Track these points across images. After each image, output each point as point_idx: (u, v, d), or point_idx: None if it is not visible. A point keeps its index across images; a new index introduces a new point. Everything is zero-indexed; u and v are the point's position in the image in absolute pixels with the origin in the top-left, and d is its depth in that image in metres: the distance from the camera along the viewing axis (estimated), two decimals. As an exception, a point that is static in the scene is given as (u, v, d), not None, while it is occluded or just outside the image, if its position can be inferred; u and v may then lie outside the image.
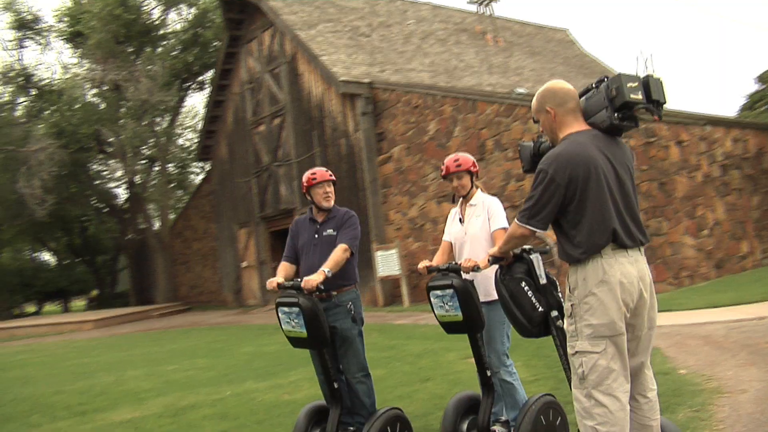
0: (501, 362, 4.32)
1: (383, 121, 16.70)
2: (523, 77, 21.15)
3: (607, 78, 3.16)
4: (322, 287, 4.28)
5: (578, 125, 3.19)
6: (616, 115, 3.09)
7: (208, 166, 26.17)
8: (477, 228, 4.46)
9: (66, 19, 26.73)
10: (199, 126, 28.20)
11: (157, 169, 28.39)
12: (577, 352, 3.07)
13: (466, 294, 3.97)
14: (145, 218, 29.39)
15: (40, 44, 28.33)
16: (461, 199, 4.61)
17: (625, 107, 3.08)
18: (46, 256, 42.85)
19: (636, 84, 3.08)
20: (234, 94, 22.35)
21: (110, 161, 29.29)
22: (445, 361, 7.70)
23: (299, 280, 4.35)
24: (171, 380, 8.62)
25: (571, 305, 3.10)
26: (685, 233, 12.24)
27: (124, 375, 9.50)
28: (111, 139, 23.22)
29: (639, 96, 3.07)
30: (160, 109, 25.35)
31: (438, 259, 4.55)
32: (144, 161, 28.18)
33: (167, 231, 27.80)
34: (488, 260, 3.56)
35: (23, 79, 27.40)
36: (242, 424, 5.85)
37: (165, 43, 27.46)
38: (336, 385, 4.52)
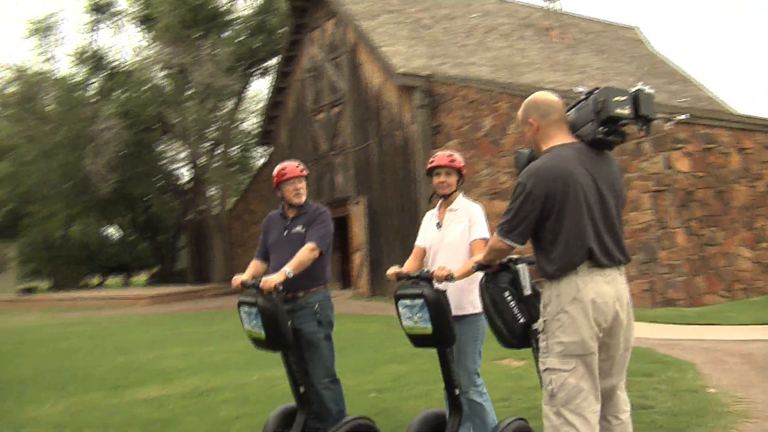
0: (471, 381, 4.06)
1: (440, 115, 16.59)
2: (587, 75, 20.67)
3: (597, 89, 3.04)
4: (281, 288, 4.11)
5: (562, 137, 3.10)
6: (600, 129, 3.00)
7: (269, 151, 26.54)
8: (456, 235, 4.16)
9: (138, 3, 27.45)
10: (263, 111, 28.62)
11: (219, 151, 28.95)
12: (547, 368, 3.00)
13: (437, 305, 3.68)
14: (205, 199, 30.02)
15: (113, 27, 29.18)
16: (440, 201, 4.33)
17: (610, 121, 2.98)
18: (112, 232, 44.23)
19: (624, 98, 2.98)
20: (296, 81, 22.56)
21: (174, 142, 30.00)
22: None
23: (258, 280, 4.19)
24: (205, 362, 8.79)
25: (544, 321, 3.04)
26: (741, 244, 11.80)
27: (162, 353, 9.73)
28: (175, 121, 23.74)
29: (626, 111, 2.97)
30: (223, 94, 25.80)
31: (409, 266, 4.23)
32: (207, 144, 28.78)
33: (226, 213, 28.32)
34: (473, 267, 3.47)
35: (95, 61, 28.27)
36: (259, 410, 5.91)
37: (231, 28, 27.91)
38: (302, 389, 4.38)
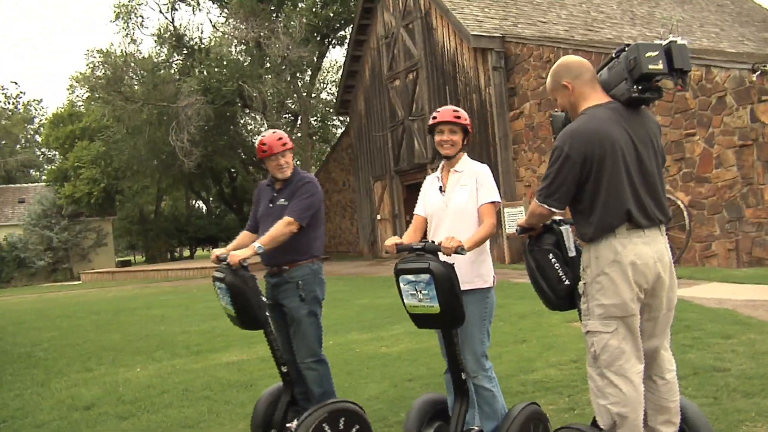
0: (480, 365, 3.64)
1: (515, 76, 16.33)
2: (669, 28, 19.83)
3: (627, 47, 2.95)
4: (246, 264, 3.89)
5: (597, 97, 3.02)
6: (635, 87, 2.91)
7: (347, 120, 26.77)
8: (463, 200, 3.72)
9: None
10: (339, 81, 28.84)
11: (299, 123, 29.39)
12: (588, 331, 3.00)
13: (446, 281, 3.24)
14: (287, 170, 30.57)
15: (191, 5, 29.84)
16: (443, 162, 3.90)
17: (644, 79, 2.88)
18: (200, 205, 45.78)
19: (656, 53, 2.87)
20: (371, 48, 22.58)
21: (255, 115, 30.63)
22: (546, 324, 7.60)
23: (225, 254, 4.01)
24: (284, 327, 9.07)
25: (584, 284, 3.02)
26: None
27: (245, 319, 10.10)
28: (254, 95, 24.23)
29: (659, 66, 2.86)
30: (300, 65, 26.10)
31: (409, 237, 3.81)
32: (287, 115, 29.23)
33: (309, 183, 28.80)
34: (516, 230, 3.36)
35: (176, 40, 29.07)
36: (334, 373, 6.07)
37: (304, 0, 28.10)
38: (284, 369, 4.16)
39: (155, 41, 29.15)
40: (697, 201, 11.63)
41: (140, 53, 28.77)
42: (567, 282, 3.17)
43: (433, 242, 3.37)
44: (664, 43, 2.93)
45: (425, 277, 3.25)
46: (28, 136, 54.77)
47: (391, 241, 3.53)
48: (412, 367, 6.10)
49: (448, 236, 3.33)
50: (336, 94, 27.96)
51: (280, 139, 4.29)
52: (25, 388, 6.74)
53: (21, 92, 72.07)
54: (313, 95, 30.10)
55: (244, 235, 4.48)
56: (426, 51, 19.19)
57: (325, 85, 35.39)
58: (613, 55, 3.03)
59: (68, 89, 40.90)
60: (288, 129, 29.34)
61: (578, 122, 2.97)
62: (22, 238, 34.41)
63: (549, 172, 2.97)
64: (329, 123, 35.10)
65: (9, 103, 53.07)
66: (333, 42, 30.13)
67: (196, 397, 5.76)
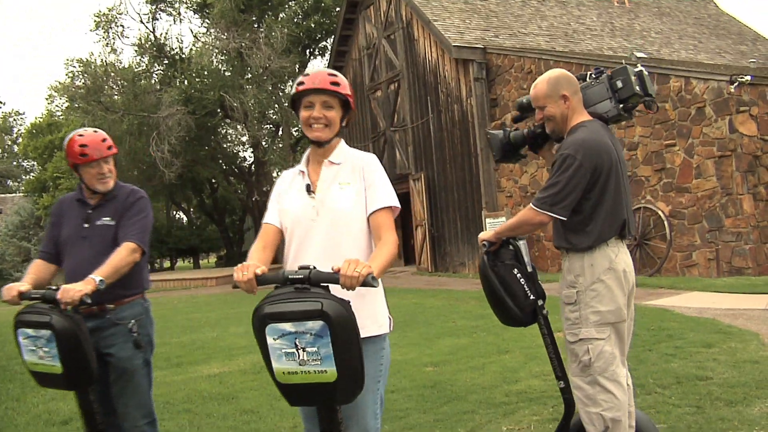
0: None
1: (496, 87, 16.40)
2: (648, 40, 20.06)
3: (604, 69, 3.21)
4: (89, 300, 2.95)
5: (584, 113, 3.15)
6: (621, 106, 3.12)
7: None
8: (347, 205, 2.63)
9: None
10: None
11: (280, 133, 29.32)
12: (581, 339, 3.02)
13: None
14: (269, 181, 30.51)
15: (172, 15, 29.76)
16: (310, 151, 2.79)
17: (631, 99, 3.11)
18: (181, 216, 45.48)
19: (635, 78, 3.12)
20: (353, 59, 22.61)
21: (237, 125, 30.55)
22: (529, 334, 7.53)
23: (55, 288, 2.97)
24: (266, 338, 9.00)
25: (576, 292, 3.04)
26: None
27: (225, 331, 10.02)
28: (235, 105, 24.17)
29: (637, 88, 3.12)
30: (281, 75, 26.07)
31: (259, 256, 2.64)
32: (268, 126, 29.15)
33: (289, 194, 28.72)
34: (484, 245, 3.22)
35: (157, 50, 28.95)
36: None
37: (286, 10, 28.11)
38: None
39: (136, 51, 28.99)
40: (678, 211, 11.71)
41: (121, 63, 28.62)
42: (532, 297, 3.18)
43: (313, 268, 2.25)
44: (635, 69, 3.16)
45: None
46: (6, 146, 54.21)
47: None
48: (394, 379, 6.05)
49: (348, 259, 2.23)
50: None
51: (104, 140, 3.40)
52: (0, 402, 6.61)
53: (1, 102, 71.26)
54: (295, 106, 30.03)
55: (38, 264, 3.43)
56: (408, 62, 19.24)
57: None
58: (593, 75, 3.19)
59: (47, 99, 40.49)
60: (269, 139, 29.26)
61: (583, 134, 3.03)
62: (-1, 250, 33.99)
63: (557, 180, 2.98)
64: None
65: (-13, 114, 52.52)
66: (315, 53, 30.14)
67: (176, 410, 5.67)
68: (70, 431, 5.32)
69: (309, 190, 2.69)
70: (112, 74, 27.16)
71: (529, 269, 3.24)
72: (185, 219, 44.30)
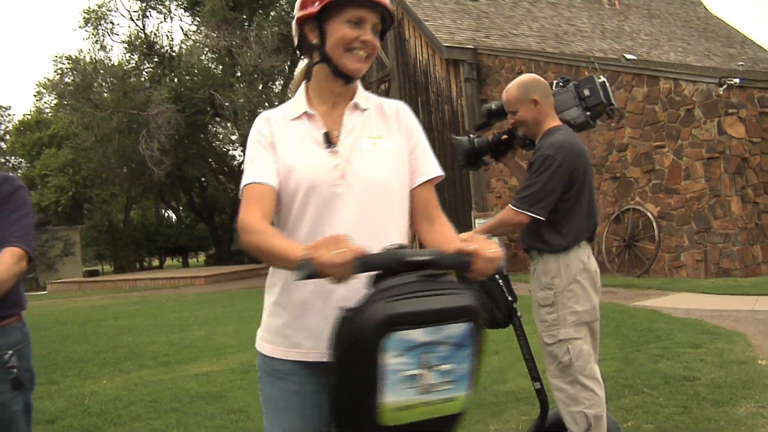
0: None
1: (487, 88, 16.43)
2: (638, 42, 20.16)
3: (569, 78, 3.32)
4: None
5: (557, 119, 3.22)
6: (588, 114, 3.24)
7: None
8: (386, 169, 1.89)
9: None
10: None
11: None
12: (560, 340, 3.05)
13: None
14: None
15: (162, 13, 29.67)
16: (323, 84, 1.96)
17: (597, 107, 3.24)
18: (170, 215, 45.36)
19: (599, 87, 3.25)
20: (343, 59, 22.58)
21: (227, 124, 30.48)
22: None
23: None
24: (254, 338, 8.93)
25: (554, 293, 3.07)
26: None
27: (214, 330, 9.98)
28: (225, 104, 24.11)
29: (602, 98, 3.24)
30: (272, 74, 26.02)
31: (256, 214, 1.82)
32: (259, 124, 29.05)
33: (279, 193, 28.66)
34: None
35: (146, 48, 28.84)
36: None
37: (276, 9, 28.06)
38: None
39: (125, 48, 28.89)
40: (666, 212, 11.77)
41: (110, 60, 28.49)
42: (510, 299, 3.20)
43: (412, 247, 1.61)
44: (599, 80, 3.27)
45: (459, 330, 1.52)
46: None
47: (346, 250, 1.51)
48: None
49: (465, 235, 1.98)
50: (308, 103, 27.77)
51: None
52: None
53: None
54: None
55: None
56: (398, 61, 19.24)
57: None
58: (560, 83, 3.28)
59: (35, 96, 40.27)
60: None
61: (563, 136, 3.10)
62: (-14, 247, 33.74)
63: (536, 180, 3.03)
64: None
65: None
66: (305, 52, 30.08)
67: (164, 409, 5.64)
68: (56, 430, 5.29)
69: (328, 140, 1.87)
70: (102, 71, 27.00)
71: (505, 273, 3.25)
72: (174, 217, 44.20)
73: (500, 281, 3.18)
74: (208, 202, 38.25)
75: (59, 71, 26.78)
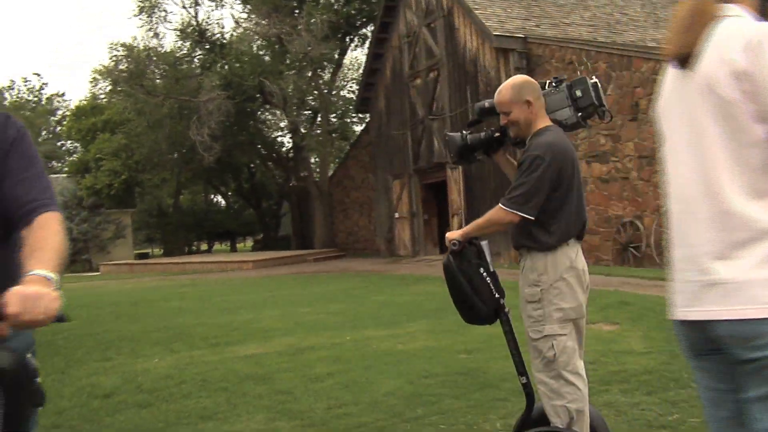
0: None
1: (537, 77, 15.98)
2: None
3: (563, 78, 3.33)
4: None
5: (548, 119, 3.26)
6: (579, 114, 3.26)
7: (367, 117, 26.86)
8: None
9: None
10: (360, 78, 28.93)
11: (318, 120, 29.49)
12: (546, 335, 3.10)
13: None
14: (306, 167, 30.73)
15: (214, 1, 30.07)
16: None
17: (588, 108, 3.25)
18: (219, 200, 46.07)
19: (591, 88, 3.26)
20: (393, 47, 22.60)
21: (276, 111, 30.81)
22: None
23: None
24: (301, 322, 9.13)
25: (540, 290, 3.12)
26: None
27: (261, 314, 10.18)
28: (275, 91, 24.38)
29: (593, 99, 3.24)
30: (321, 62, 26.19)
31: None
32: (307, 112, 29.34)
33: (327, 180, 28.92)
34: (454, 244, 3.19)
35: (198, 34, 29.27)
36: (350, 368, 6.14)
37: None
38: None
39: (178, 36, 29.38)
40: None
41: (162, 47, 29.01)
42: (497, 296, 3.21)
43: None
44: (591, 81, 3.27)
45: None
46: (50, 128, 55.32)
47: None
48: (428, 365, 6.13)
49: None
50: (356, 91, 28.06)
51: None
52: (47, 374, 6.83)
53: (44, 84, 72.67)
54: (334, 92, 30.21)
55: None
56: (447, 50, 19.19)
57: (345, 83, 35.50)
58: (553, 83, 3.29)
59: (91, 82, 41.17)
60: (308, 125, 29.45)
61: (552, 137, 3.16)
62: (42, 229, 34.70)
63: (526, 179, 3.09)
64: (349, 120, 35.20)
65: (32, 95, 53.62)
66: (354, 40, 30.19)
67: (213, 388, 5.81)
68: (112, 404, 5.49)
69: None
70: (155, 58, 27.56)
71: (491, 269, 3.27)
72: (223, 203, 44.87)
73: (487, 278, 3.20)
74: (257, 189, 38.71)
75: (114, 58, 27.41)
